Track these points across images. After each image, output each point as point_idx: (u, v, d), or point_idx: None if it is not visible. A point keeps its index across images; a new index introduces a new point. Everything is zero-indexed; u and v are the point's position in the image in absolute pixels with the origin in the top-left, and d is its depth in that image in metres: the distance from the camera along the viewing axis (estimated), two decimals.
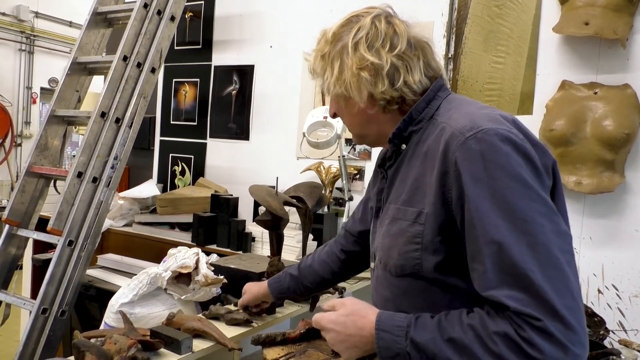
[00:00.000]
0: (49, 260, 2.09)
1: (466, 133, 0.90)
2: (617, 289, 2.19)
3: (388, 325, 0.92)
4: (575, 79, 2.24)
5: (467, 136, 0.90)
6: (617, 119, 2.09)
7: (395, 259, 1.00)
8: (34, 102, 7.22)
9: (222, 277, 1.91)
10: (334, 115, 1.17)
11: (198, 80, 3.42)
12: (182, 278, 1.91)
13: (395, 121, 1.06)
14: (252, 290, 1.59)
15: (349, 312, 0.97)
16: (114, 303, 1.82)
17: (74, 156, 2.29)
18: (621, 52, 2.16)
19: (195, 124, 3.42)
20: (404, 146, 1.07)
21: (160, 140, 3.59)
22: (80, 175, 2.16)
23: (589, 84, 2.21)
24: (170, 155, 3.53)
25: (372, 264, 1.14)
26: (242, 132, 3.23)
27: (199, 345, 1.43)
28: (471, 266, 0.90)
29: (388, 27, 1.04)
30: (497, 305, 0.85)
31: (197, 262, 1.89)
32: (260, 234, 2.66)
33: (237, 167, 3.24)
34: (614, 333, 2.13)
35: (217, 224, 2.77)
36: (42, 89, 7.28)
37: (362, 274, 1.57)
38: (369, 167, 2.79)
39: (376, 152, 2.74)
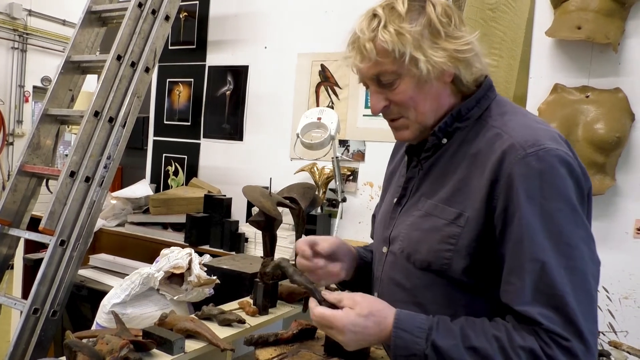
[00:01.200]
0: (41, 260, 2.08)
1: (528, 149, 0.90)
2: (607, 291, 2.20)
3: (409, 326, 0.92)
4: (568, 82, 2.26)
5: (529, 152, 0.90)
6: (609, 122, 2.11)
7: (424, 254, 0.99)
8: (27, 100, 7.16)
9: (214, 277, 1.91)
10: (383, 109, 1.02)
11: (192, 80, 3.41)
12: (174, 278, 1.90)
13: (449, 111, 1.03)
14: (329, 239, 1.16)
15: (367, 312, 0.93)
16: (106, 303, 1.82)
17: (66, 155, 2.27)
18: (613, 56, 2.18)
19: (189, 124, 3.42)
20: (444, 140, 1.03)
21: (154, 140, 3.58)
22: (72, 174, 2.15)
23: (581, 88, 2.22)
24: (164, 155, 3.52)
25: (384, 249, 1.11)
26: (235, 132, 3.23)
27: (191, 345, 1.42)
28: (507, 279, 0.91)
29: (456, 12, 1.00)
30: (527, 321, 0.87)
31: (189, 262, 1.89)
32: (253, 234, 2.66)
33: (231, 167, 3.24)
34: (604, 334, 2.14)
35: (210, 224, 2.76)
36: (34, 87, 7.23)
37: None
38: (362, 168, 2.79)
39: (371, 153, 2.76)
